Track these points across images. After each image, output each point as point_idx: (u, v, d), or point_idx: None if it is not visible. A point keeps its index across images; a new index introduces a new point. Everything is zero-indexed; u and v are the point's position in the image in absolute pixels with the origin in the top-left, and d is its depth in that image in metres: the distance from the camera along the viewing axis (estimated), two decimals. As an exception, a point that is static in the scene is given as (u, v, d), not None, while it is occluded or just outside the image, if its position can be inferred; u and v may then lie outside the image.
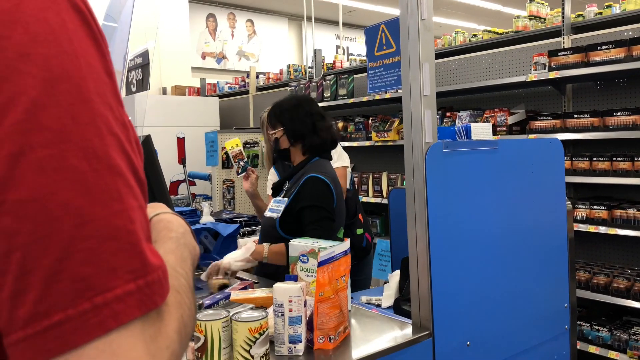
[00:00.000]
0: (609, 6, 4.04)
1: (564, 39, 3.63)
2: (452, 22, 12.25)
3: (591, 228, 3.23)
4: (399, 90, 4.17)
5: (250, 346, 1.23)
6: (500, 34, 4.52)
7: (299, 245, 1.64)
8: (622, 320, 3.29)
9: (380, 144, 4.34)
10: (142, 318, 0.41)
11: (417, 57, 1.50)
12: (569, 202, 1.99)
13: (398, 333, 1.52)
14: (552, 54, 3.37)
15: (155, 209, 0.66)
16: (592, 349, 3.24)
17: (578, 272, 3.29)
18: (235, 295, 1.67)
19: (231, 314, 1.27)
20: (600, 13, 3.86)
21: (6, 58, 0.39)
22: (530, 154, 1.84)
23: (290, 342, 1.34)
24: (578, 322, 3.30)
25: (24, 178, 0.38)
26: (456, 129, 1.69)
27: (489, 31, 4.65)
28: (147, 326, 0.41)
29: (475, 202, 1.62)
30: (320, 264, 1.37)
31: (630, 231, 3.08)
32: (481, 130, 1.71)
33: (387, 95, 4.25)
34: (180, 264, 0.56)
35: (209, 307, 1.53)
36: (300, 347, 1.35)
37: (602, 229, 3.19)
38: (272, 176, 2.91)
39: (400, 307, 1.83)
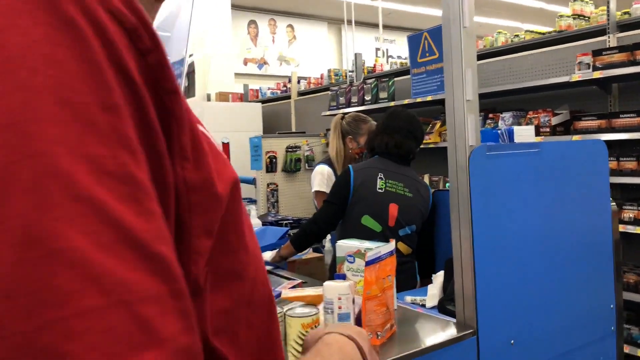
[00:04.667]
0: (656, 3, 3.95)
1: (609, 37, 3.57)
2: (492, 21, 12.09)
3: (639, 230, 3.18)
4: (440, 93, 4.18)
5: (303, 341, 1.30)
6: (543, 34, 4.48)
7: (345, 246, 1.71)
8: (673, 324, 3.22)
9: (422, 146, 4.35)
10: None
11: (460, 63, 1.55)
12: (614, 204, 1.99)
13: (443, 331, 1.57)
14: (596, 53, 3.33)
15: (332, 327, 0.64)
16: (642, 353, 3.18)
17: (627, 274, 3.24)
18: (286, 293, 1.75)
19: (285, 310, 1.35)
20: (648, 10, 3.78)
21: None
22: (574, 155, 1.85)
23: (339, 338, 1.41)
24: (627, 326, 3.24)
25: None
26: (499, 132, 1.72)
27: (532, 31, 4.61)
28: None
29: (519, 203, 1.65)
30: (367, 263, 1.43)
31: (681, 232, 3.02)
32: (524, 133, 1.74)
33: (429, 98, 4.27)
34: None
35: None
36: (349, 343, 1.41)
37: (652, 231, 3.13)
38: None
39: (445, 307, 1.86)
